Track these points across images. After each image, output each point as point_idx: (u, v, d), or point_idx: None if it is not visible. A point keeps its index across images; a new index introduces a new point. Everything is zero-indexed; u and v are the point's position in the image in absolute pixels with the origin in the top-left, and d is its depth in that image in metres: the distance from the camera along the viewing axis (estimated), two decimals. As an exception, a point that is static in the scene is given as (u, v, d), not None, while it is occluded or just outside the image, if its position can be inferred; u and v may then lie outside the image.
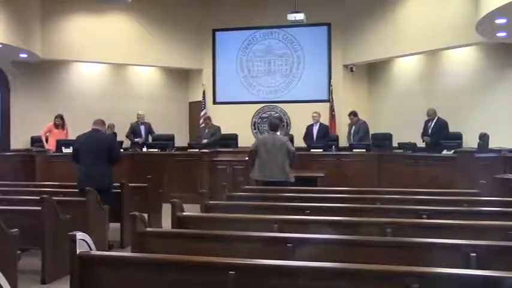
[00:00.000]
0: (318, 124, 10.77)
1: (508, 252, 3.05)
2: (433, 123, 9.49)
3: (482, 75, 10.00)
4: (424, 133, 9.57)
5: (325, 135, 10.72)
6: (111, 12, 11.71)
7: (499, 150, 8.02)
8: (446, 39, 9.90)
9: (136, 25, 12.08)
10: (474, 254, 2.96)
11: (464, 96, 10.23)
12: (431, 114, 9.54)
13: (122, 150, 9.60)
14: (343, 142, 10.96)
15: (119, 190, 6.47)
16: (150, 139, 11.14)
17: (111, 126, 10.78)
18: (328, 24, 12.32)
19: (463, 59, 10.39)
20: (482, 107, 9.83)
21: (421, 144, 9.58)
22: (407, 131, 9.99)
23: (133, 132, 11.16)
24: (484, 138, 8.52)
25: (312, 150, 9.97)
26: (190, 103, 13.46)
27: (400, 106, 11.49)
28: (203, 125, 11.67)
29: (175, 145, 10.86)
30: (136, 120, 11.24)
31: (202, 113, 12.45)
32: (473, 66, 10.23)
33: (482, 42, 9.46)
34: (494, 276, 2.40)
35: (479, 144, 8.48)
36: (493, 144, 8.54)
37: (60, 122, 10.11)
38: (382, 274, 2.52)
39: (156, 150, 10.28)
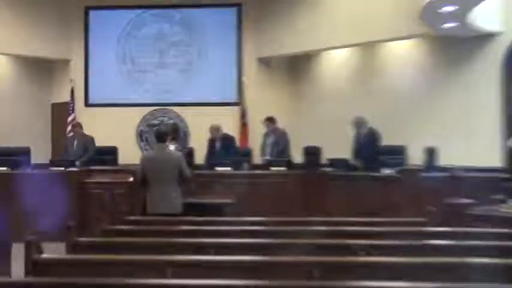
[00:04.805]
0: (219, 137, 10.77)
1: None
2: (362, 135, 9.71)
3: (430, 74, 10.52)
4: (355, 152, 9.76)
5: (229, 149, 10.68)
6: None
7: (450, 169, 8.37)
8: (384, 30, 10.34)
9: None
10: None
11: (408, 99, 10.73)
12: (359, 124, 9.71)
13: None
14: (257, 157, 11.07)
15: None
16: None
17: None
18: (239, 5, 12.53)
19: (405, 54, 10.91)
20: (430, 113, 10.34)
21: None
22: (339, 143, 10.19)
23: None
24: (431, 153, 8.82)
25: (216, 168, 9.93)
26: (53, 105, 13.17)
27: (330, 112, 11.82)
28: (71, 133, 11.36)
29: (33, 162, 10.41)
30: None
31: (70, 119, 12.17)
32: (418, 62, 10.74)
33: (427, 34, 9.97)
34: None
35: (425, 161, 8.80)
36: (444, 160, 8.88)
37: None
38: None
39: (5, 168, 9.81)
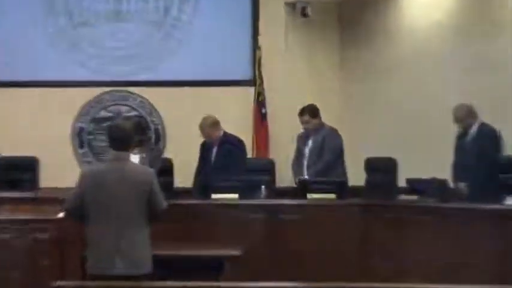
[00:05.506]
0: (217, 141, 10.73)
1: None
2: (469, 139, 9.71)
3: None
4: (457, 165, 9.80)
5: (234, 161, 10.63)
6: None
7: None
8: None
9: None
10: None
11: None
12: (464, 119, 9.71)
13: None
14: (285, 176, 11.09)
15: None
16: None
17: None
18: None
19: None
20: None
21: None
22: (427, 153, 10.29)
23: None
24: None
25: (213, 195, 9.90)
26: None
27: (412, 97, 11.78)
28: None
29: None
30: None
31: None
32: None
33: None
34: None
35: None
36: None
37: None
38: None
39: None
